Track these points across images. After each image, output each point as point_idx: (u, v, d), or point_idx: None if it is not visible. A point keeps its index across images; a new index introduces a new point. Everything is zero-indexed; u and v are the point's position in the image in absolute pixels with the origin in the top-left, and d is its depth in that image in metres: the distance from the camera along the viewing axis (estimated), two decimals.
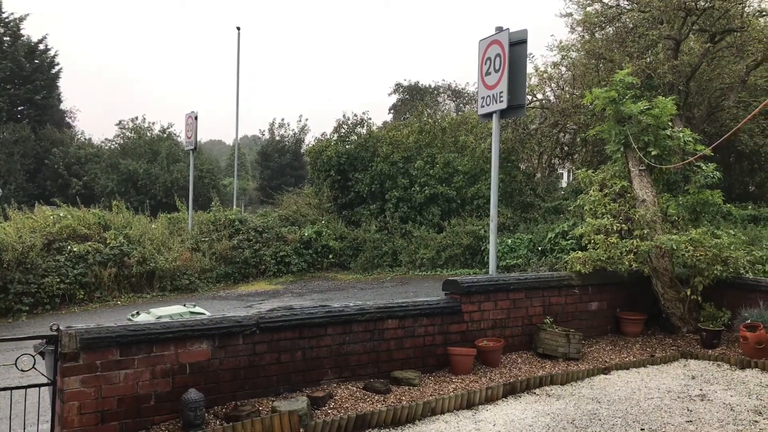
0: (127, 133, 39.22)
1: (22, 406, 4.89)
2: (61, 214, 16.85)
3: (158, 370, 5.11)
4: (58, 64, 40.82)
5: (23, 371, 4.72)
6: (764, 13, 16.70)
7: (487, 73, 8.76)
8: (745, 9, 16.21)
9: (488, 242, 11.54)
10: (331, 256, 19.59)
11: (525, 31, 8.43)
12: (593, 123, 15.76)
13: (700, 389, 6.12)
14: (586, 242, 8.39)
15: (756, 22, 16.19)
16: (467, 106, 44.73)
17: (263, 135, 49.76)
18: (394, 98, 50.13)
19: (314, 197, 23.96)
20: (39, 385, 4.92)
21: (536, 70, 19.54)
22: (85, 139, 41.38)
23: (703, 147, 8.33)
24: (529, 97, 19.09)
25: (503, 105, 8.42)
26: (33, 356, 4.84)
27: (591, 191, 8.80)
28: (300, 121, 53.23)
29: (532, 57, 28.64)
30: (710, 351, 7.42)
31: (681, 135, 8.27)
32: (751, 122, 16.28)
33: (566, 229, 15.33)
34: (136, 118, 39.79)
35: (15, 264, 14.00)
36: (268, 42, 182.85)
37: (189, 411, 4.90)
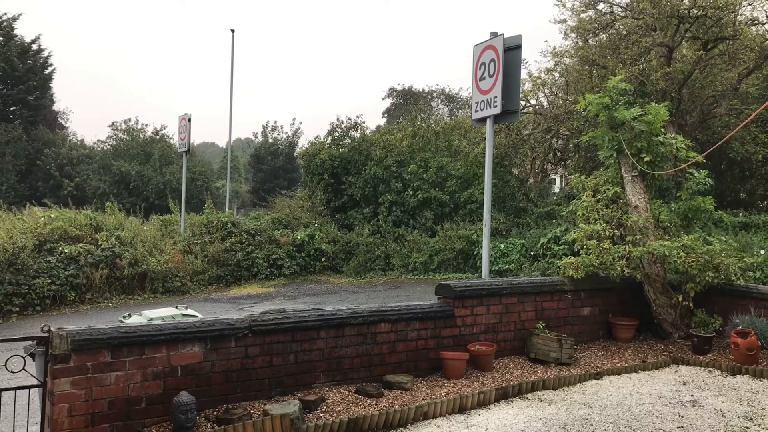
0: (120, 135, 39.11)
1: (11, 408, 4.86)
2: (53, 215, 16.76)
3: (149, 372, 5.08)
4: (51, 64, 40.75)
5: (13, 372, 4.68)
6: (756, 22, 16.84)
7: (482, 78, 8.78)
8: (738, 17, 16.33)
9: (481, 247, 11.57)
10: (323, 260, 19.56)
11: (519, 37, 8.47)
12: (586, 129, 15.84)
13: (692, 395, 6.14)
14: (579, 247, 8.40)
15: (748, 31, 16.30)
16: (461, 110, 44.86)
17: (256, 137, 49.75)
18: (387, 102, 50.29)
19: (307, 200, 23.97)
20: (29, 387, 4.89)
21: (530, 76, 19.64)
22: (77, 140, 41.27)
23: (695, 154, 8.37)
24: (523, 103, 19.16)
25: (497, 110, 8.45)
26: (23, 357, 4.81)
27: (584, 197, 8.83)
28: (293, 124, 53.33)
29: (526, 63, 28.86)
30: (701, 357, 7.44)
31: (674, 141, 8.30)
32: (743, 130, 16.38)
33: (559, 234, 15.38)
34: (129, 119, 39.68)
35: (5, 265, 13.92)
36: (262, 45, 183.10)
37: (180, 414, 4.88)
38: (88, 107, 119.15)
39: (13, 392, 4.81)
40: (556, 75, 19.95)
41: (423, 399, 5.83)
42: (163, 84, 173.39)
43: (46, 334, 4.75)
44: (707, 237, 8.35)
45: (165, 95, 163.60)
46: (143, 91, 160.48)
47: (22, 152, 36.31)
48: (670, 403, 5.91)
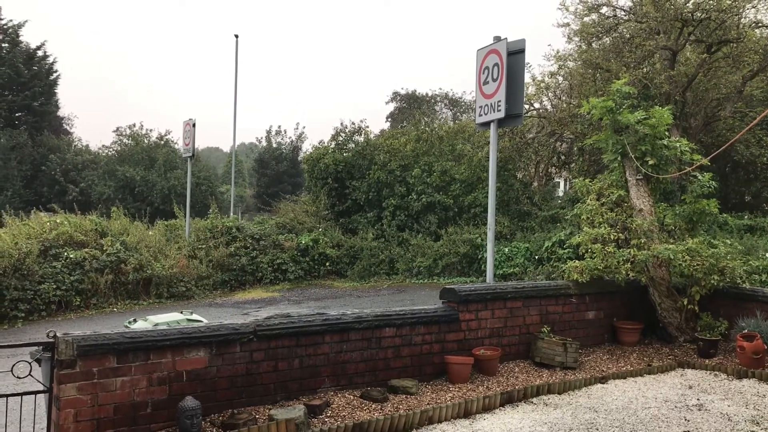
0: (125, 140, 39.25)
1: (17, 413, 4.88)
2: (58, 221, 16.80)
3: (155, 377, 5.09)
4: (56, 70, 40.91)
5: (19, 378, 4.70)
6: (760, 25, 16.81)
7: (485, 83, 8.79)
8: (741, 20, 16.31)
9: (485, 251, 11.57)
10: (328, 264, 19.57)
11: (523, 41, 8.47)
12: (590, 132, 15.81)
13: (698, 399, 6.13)
14: (584, 251, 8.39)
15: (752, 33, 16.28)
16: (464, 114, 44.88)
17: (260, 142, 49.83)
18: (391, 106, 50.23)
19: (311, 205, 23.98)
20: (35, 392, 4.90)
21: (533, 80, 19.61)
22: (82, 145, 41.44)
23: (700, 157, 8.36)
24: (527, 107, 19.15)
25: (501, 114, 8.45)
26: (29, 363, 4.82)
27: (588, 200, 8.82)
28: (297, 128, 53.42)
29: (530, 66, 28.87)
30: (707, 361, 7.42)
31: (678, 145, 8.30)
32: (748, 132, 16.35)
33: (563, 238, 15.35)
34: (134, 124, 39.86)
35: (11, 270, 13.95)
36: (266, 50, 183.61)
37: (185, 419, 4.88)
38: (93, 112, 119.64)
39: (19, 398, 4.82)
40: (560, 78, 19.95)
41: (428, 403, 5.82)
42: (167, 89, 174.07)
43: (51, 340, 4.76)
44: (712, 240, 8.33)
45: (169, 100, 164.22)
46: (147, 96, 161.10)
47: (27, 158, 36.45)
48: (675, 407, 5.89)
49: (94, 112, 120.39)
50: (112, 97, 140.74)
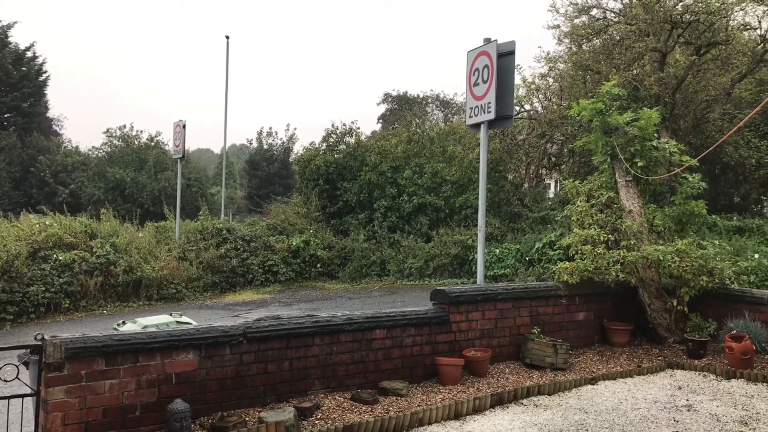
0: (115, 141, 39.10)
1: (4, 417, 4.84)
2: (47, 222, 16.70)
3: (144, 380, 5.06)
4: (45, 71, 40.70)
5: (6, 381, 4.66)
6: (748, 27, 16.92)
7: (476, 84, 8.79)
8: (730, 23, 16.40)
9: (476, 252, 11.58)
10: (319, 266, 19.54)
11: (513, 43, 8.48)
12: (580, 134, 15.87)
13: (687, 399, 6.15)
14: (574, 253, 8.42)
15: (740, 36, 16.39)
16: (455, 116, 44.97)
17: (251, 143, 49.70)
18: (382, 108, 50.34)
19: (302, 206, 23.93)
20: (22, 396, 4.87)
21: (524, 81, 19.66)
22: (72, 146, 41.21)
23: (688, 158, 8.40)
24: (517, 108, 19.20)
25: (491, 115, 8.45)
26: (17, 366, 4.79)
27: (578, 202, 8.84)
28: (288, 129, 53.26)
29: (520, 68, 28.98)
30: (696, 361, 7.45)
31: (667, 146, 8.34)
32: (736, 134, 16.44)
33: (553, 239, 15.39)
34: (124, 126, 39.73)
35: None
36: (257, 51, 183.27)
37: (175, 422, 4.86)
38: (83, 113, 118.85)
39: (6, 401, 4.78)
40: (550, 80, 19.99)
41: (418, 405, 5.82)
42: (158, 90, 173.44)
43: (39, 343, 4.73)
44: (701, 241, 8.38)
45: (160, 102, 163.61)
46: (138, 97, 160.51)
47: (16, 159, 36.23)
48: (665, 407, 5.92)
49: (91, 113, 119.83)
50: (109, 97, 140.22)
